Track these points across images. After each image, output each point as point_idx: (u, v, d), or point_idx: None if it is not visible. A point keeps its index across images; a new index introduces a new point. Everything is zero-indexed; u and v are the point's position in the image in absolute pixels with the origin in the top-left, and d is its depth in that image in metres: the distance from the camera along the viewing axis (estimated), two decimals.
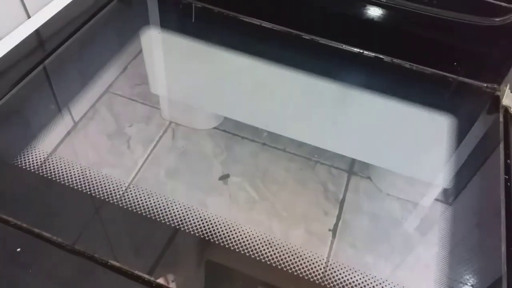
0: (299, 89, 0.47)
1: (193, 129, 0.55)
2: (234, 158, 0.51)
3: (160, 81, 0.53)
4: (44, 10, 0.45)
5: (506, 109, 0.42)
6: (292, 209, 0.46)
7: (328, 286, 0.36)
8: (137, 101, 0.58)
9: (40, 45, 0.42)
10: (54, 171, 0.44)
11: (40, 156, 0.44)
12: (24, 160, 0.44)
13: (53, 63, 0.43)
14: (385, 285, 0.38)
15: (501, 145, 0.39)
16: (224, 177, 0.49)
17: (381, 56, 0.44)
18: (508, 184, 0.36)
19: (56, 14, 0.44)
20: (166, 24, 0.50)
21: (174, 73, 0.51)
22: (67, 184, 0.42)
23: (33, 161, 0.44)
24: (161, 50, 0.52)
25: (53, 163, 0.50)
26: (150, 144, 0.54)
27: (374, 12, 0.45)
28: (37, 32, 0.42)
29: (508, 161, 0.37)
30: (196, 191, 0.48)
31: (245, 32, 0.48)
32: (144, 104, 0.58)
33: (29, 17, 0.45)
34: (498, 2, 0.41)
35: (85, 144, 0.55)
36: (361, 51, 0.45)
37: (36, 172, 0.42)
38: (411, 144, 0.46)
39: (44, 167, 0.44)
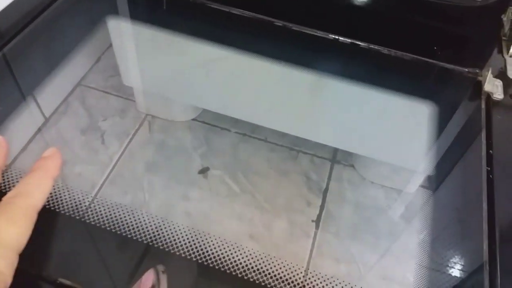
0: (274, 78, 0.45)
1: (170, 121, 0.53)
2: (214, 150, 0.50)
3: (133, 73, 0.51)
4: None
5: (488, 95, 0.41)
6: (274, 200, 0.44)
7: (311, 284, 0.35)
8: (111, 94, 0.56)
9: None
10: (25, 171, 0.42)
11: (10, 154, 0.41)
12: None
13: (14, 52, 0.40)
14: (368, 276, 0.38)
15: (483, 134, 0.38)
16: (204, 171, 0.48)
17: (357, 42, 0.43)
18: (490, 176, 0.35)
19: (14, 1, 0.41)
20: (135, 13, 0.48)
21: (146, 64, 0.49)
22: None
23: None
24: (132, 40, 0.49)
25: (24, 161, 0.48)
26: (126, 138, 0.51)
27: None
28: None
29: (490, 151, 0.36)
30: (175, 186, 0.47)
31: (215, 20, 0.46)
32: (119, 96, 0.55)
33: None
34: None
35: (57, 140, 0.52)
36: (336, 37, 0.43)
37: (8, 170, 0.39)
38: (393, 132, 0.45)
39: (15, 167, 0.42)
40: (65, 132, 0.52)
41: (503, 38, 0.46)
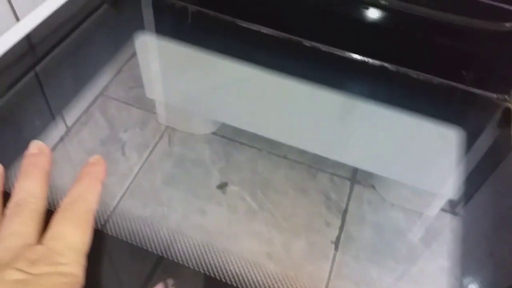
0: (299, 97, 0.45)
1: (190, 134, 0.54)
2: (233, 165, 0.50)
3: (156, 86, 0.52)
4: (34, 12, 0.43)
5: None
6: (292, 219, 0.44)
7: None
8: (132, 105, 0.56)
9: (31, 49, 0.40)
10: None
11: None
12: (15, 169, 0.42)
13: (44, 68, 0.41)
14: None
15: None
16: (222, 186, 0.48)
17: (386, 65, 0.42)
18: None
19: (46, 18, 0.42)
20: (161, 29, 0.48)
21: (170, 78, 0.50)
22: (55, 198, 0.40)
23: None
24: (156, 55, 0.50)
25: None
26: (146, 150, 0.52)
27: (379, 17, 0.43)
28: (28, 37, 0.40)
29: None
30: (194, 200, 0.47)
31: (243, 38, 0.46)
32: (139, 108, 0.56)
33: (18, 20, 0.43)
34: (507, 7, 0.39)
35: (78, 150, 0.53)
36: (366, 59, 0.43)
37: None
38: (417, 155, 0.44)
39: None
40: (86, 143, 0.53)
41: None
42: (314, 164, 0.49)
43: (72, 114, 0.55)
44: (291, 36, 0.44)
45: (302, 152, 0.50)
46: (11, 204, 0.28)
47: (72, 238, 0.26)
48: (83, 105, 0.57)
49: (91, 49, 0.45)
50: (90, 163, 0.30)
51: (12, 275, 0.23)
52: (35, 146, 0.31)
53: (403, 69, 0.42)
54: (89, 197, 0.29)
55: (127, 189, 0.48)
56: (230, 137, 0.52)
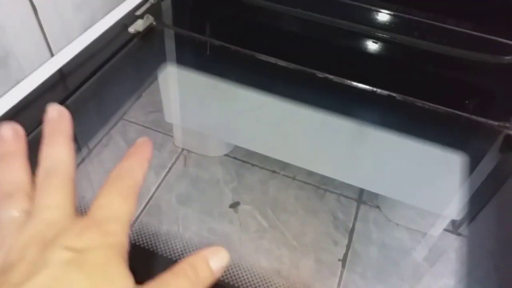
0: (311, 124, 0.48)
1: (204, 156, 0.57)
2: (245, 185, 0.52)
3: (175, 112, 0.55)
4: (67, 48, 0.46)
5: None
6: (301, 238, 0.46)
7: None
8: (150, 128, 0.60)
9: (62, 83, 0.43)
10: None
11: None
12: None
13: (73, 98, 0.44)
14: None
15: None
16: (235, 205, 0.50)
17: (393, 94, 0.45)
18: None
19: (78, 54, 0.45)
20: (183, 61, 0.52)
21: (188, 105, 0.53)
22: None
23: None
24: (176, 84, 0.53)
25: None
26: (163, 170, 0.55)
27: (388, 51, 0.46)
28: (60, 71, 0.43)
29: None
30: (207, 218, 0.49)
31: (261, 70, 0.49)
32: (157, 131, 0.59)
33: (52, 55, 0.46)
34: (506, 41, 0.42)
35: (99, 170, 0.56)
36: (374, 89, 0.46)
37: None
38: (422, 178, 0.46)
39: None
40: (106, 163, 0.56)
41: None
42: (322, 185, 0.52)
43: (94, 136, 0.59)
44: (306, 68, 0.47)
45: (310, 173, 0.52)
46: (40, 173, 0.26)
47: (119, 207, 0.25)
48: (104, 128, 0.60)
49: (118, 81, 0.48)
50: (138, 144, 0.30)
51: (61, 255, 0.22)
52: (54, 110, 0.28)
53: (410, 99, 0.45)
54: (136, 173, 0.28)
55: (144, 207, 0.51)
56: (242, 159, 0.55)
